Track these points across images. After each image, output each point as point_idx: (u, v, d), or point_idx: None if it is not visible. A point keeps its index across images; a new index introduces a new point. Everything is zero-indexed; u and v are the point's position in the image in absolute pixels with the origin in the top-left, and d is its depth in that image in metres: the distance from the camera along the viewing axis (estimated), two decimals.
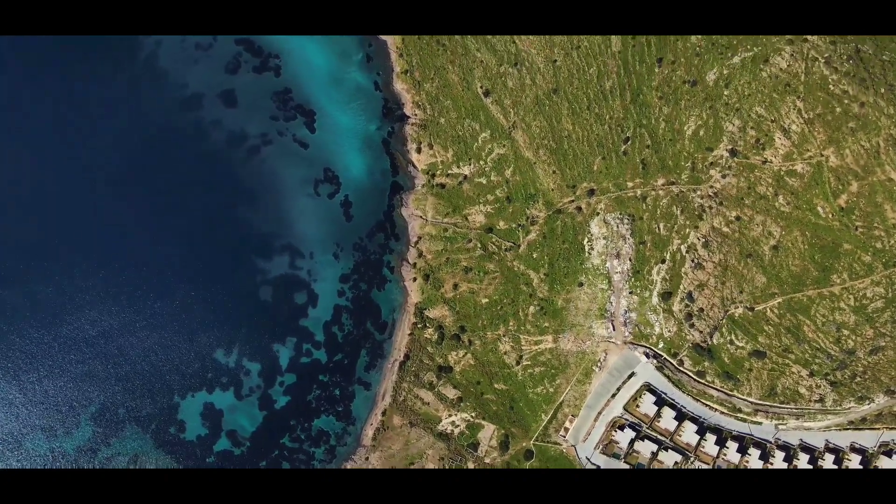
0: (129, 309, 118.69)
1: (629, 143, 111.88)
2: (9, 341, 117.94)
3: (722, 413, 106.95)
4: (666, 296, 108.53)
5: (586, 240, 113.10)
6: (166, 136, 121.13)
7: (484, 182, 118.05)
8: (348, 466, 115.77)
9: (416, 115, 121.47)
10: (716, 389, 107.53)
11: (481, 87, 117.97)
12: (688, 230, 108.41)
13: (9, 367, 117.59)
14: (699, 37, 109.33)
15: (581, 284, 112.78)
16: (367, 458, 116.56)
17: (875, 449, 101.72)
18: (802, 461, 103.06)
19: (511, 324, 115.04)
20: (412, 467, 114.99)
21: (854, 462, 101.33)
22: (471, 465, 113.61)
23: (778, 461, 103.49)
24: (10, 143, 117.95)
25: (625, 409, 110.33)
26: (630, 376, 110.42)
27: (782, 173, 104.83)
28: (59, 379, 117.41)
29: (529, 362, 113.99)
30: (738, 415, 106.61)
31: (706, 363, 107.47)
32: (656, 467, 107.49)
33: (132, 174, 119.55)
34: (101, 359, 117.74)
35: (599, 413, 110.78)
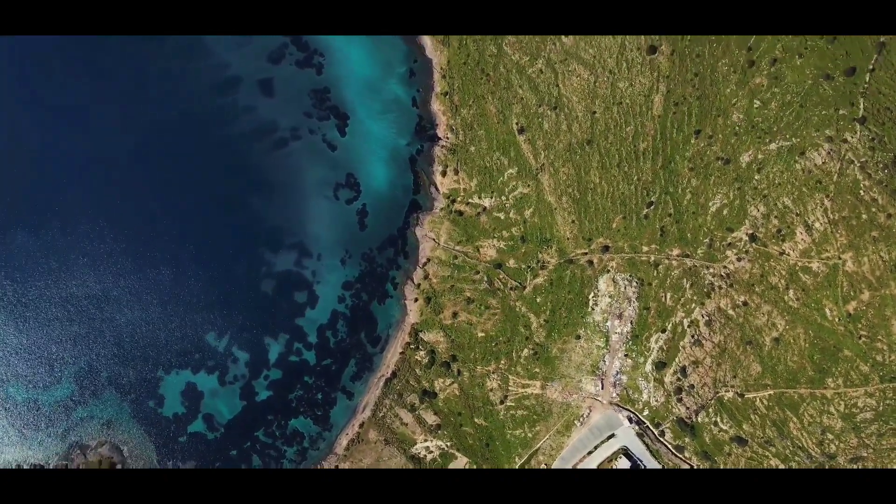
0: (130, 277, 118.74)
1: (652, 207, 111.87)
2: (5, 285, 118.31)
3: None
4: (660, 365, 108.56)
5: (592, 294, 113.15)
6: (197, 113, 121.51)
7: (502, 217, 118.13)
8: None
9: (447, 138, 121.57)
10: (691, 466, 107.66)
11: (517, 124, 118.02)
12: (693, 305, 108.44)
13: (3, 310, 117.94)
14: (741, 116, 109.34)
15: (579, 337, 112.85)
16: (336, 467, 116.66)
17: None
18: None
19: (503, 362, 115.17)
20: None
21: None
22: None
23: None
24: (50, 106, 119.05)
25: (598, 468, 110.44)
26: (609, 437, 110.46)
27: (797, 268, 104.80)
28: (49, 333, 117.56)
29: (513, 404, 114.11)
30: None
31: (687, 439, 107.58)
32: None
33: (157, 146, 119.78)
34: (94, 321, 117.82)
35: (573, 467, 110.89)
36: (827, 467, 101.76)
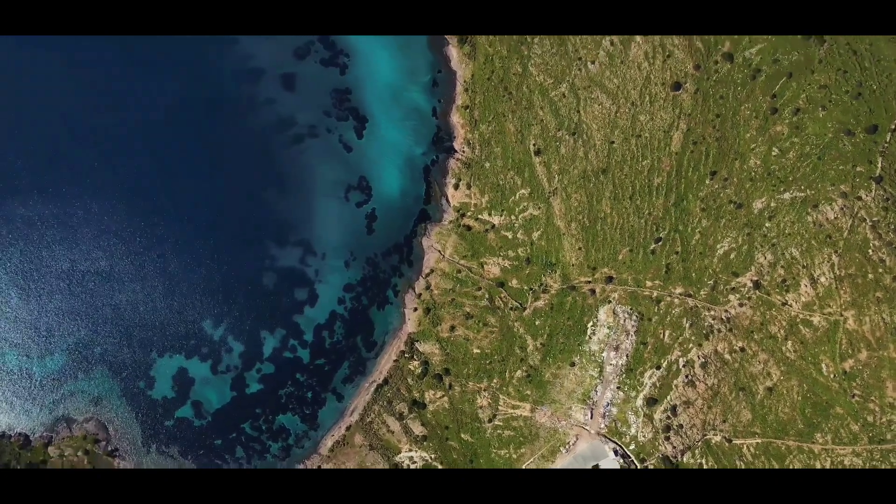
0: (133, 256, 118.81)
1: (660, 243, 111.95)
2: (9, 252, 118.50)
3: None
4: (651, 401, 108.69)
5: (591, 323, 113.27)
6: (217, 100, 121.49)
7: (509, 237, 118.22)
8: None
9: (463, 151, 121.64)
10: None
11: (534, 145, 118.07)
12: (691, 346, 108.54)
13: (4, 276, 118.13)
14: (758, 162, 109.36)
15: (573, 364, 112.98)
16: (318, 468, 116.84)
17: None
18: None
19: (495, 381, 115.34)
20: None
21: None
22: None
23: None
24: (70, 79, 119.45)
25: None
26: (593, 467, 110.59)
27: (798, 320, 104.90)
28: (48, 304, 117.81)
29: (501, 423, 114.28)
30: None
31: None
32: None
33: (173, 129, 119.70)
34: (93, 297, 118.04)
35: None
36: None
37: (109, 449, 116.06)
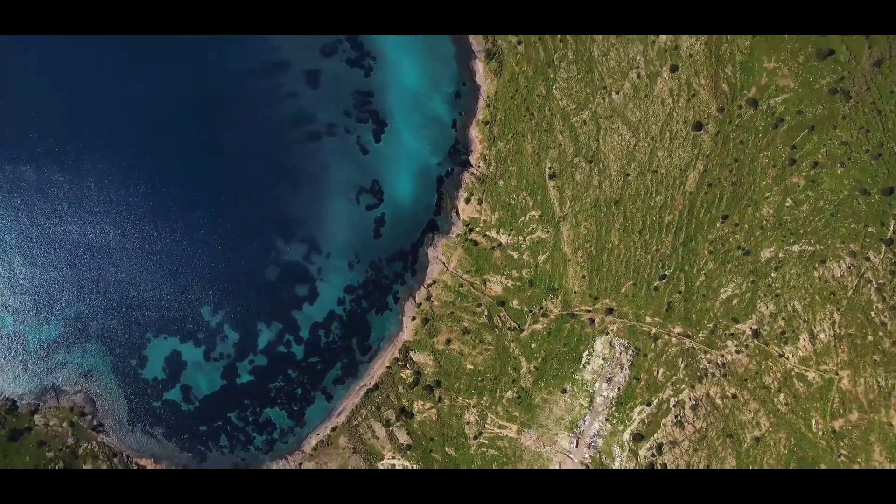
0: (139, 234, 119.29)
1: (664, 281, 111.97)
2: (17, 216, 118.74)
3: None
4: (638, 437, 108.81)
5: (587, 353, 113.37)
6: (239, 87, 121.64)
7: (515, 257, 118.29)
8: (280, 467, 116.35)
9: (479, 166, 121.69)
10: None
11: (550, 168, 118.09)
12: (683, 386, 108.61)
13: (7, 241, 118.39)
14: (771, 211, 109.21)
15: (564, 391, 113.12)
16: (300, 465, 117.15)
17: None
18: None
19: (485, 399, 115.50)
20: None
21: None
22: None
23: None
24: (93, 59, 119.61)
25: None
26: None
27: (793, 374, 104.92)
28: (50, 273, 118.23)
29: (486, 442, 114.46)
30: None
31: None
32: None
33: (193, 112, 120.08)
34: (95, 271, 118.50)
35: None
36: None
37: (95, 423, 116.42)
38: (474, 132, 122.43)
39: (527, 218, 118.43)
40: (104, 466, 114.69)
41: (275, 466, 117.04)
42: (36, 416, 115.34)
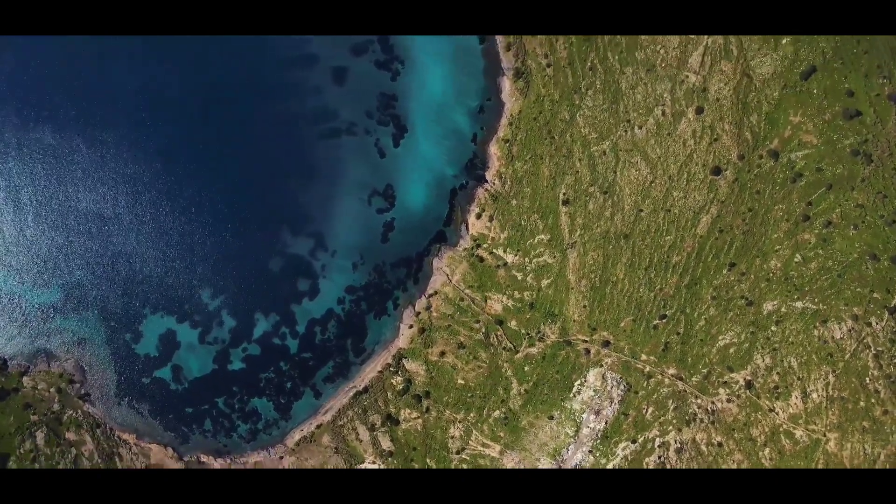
0: (149, 209, 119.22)
1: (664, 320, 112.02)
2: (34, 178, 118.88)
3: None
4: None
5: (578, 382, 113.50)
6: (264, 76, 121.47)
7: (519, 278, 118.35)
8: (261, 458, 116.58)
9: (494, 183, 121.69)
10: None
11: (564, 194, 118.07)
12: (670, 428, 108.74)
13: (20, 201, 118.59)
14: (778, 265, 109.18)
15: (552, 418, 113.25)
16: (280, 458, 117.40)
17: None
18: None
19: (472, 415, 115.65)
20: None
21: None
22: None
23: None
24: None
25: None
26: None
27: (781, 429, 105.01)
28: (57, 237, 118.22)
29: (468, 458, 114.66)
30: None
31: None
32: None
33: (216, 96, 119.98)
34: (101, 241, 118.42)
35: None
36: None
37: (82, 392, 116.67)
38: (493, 149, 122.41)
39: (535, 241, 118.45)
40: (87, 436, 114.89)
41: (255, 457, 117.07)
42: (25, 378, 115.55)
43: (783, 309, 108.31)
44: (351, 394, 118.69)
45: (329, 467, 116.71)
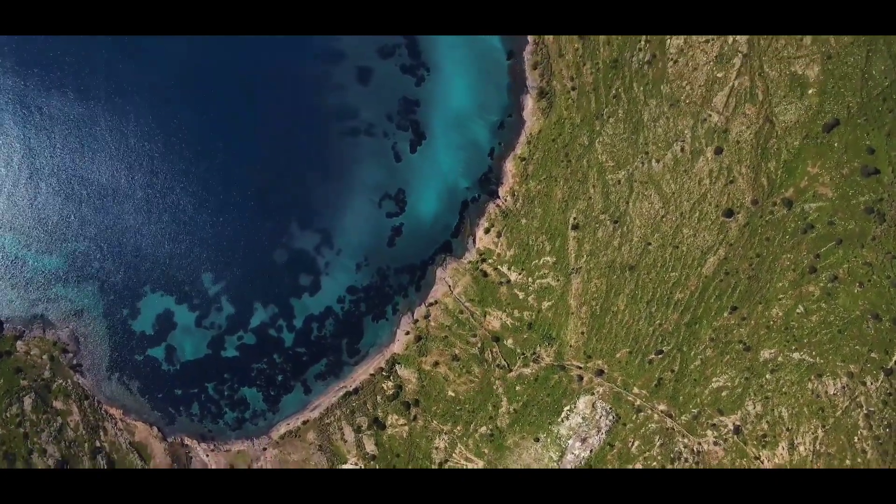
0: (159, 187, 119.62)
1: (660, 356, 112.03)
2: (53, 144, 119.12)
3: None
4: None
5: (568, 408, 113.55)
6: (288, 70, 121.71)
7: (520, 297, 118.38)
8: (244, 447, 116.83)
9: (506, 200, 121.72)
10: None
11: (574, 219, 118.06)
12: (654, 464, 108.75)
13: (35, 166, 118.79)
14: (780, 313, 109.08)
15: (537, 440, 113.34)
16: (264, 449, 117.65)
17: None
18: None
19: (458, 428, 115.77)
20: None
21: None
22: None
23: None
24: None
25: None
26: None
27: None
28: (66, 206, 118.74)
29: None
30: None
31: None
32: None
33: (239, 85, 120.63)
34: (110, 214, 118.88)
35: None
36: None
37: (74, 362, 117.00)
38: (509, 165, 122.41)
39: (541, 262, 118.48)
40: (74, 406, 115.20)
41: (239, 445, 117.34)
42: (19, 343, 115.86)
43: (780, 358, 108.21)
44: (341, 393, 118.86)
45: (311, 464, 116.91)
